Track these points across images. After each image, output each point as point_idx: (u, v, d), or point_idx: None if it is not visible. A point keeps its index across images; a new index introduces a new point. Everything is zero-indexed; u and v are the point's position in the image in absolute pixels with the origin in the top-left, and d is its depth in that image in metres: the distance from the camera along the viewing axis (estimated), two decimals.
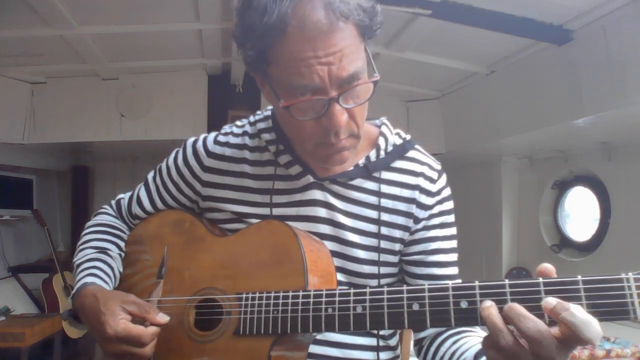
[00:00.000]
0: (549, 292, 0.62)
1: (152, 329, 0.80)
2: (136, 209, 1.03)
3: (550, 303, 0.59)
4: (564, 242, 3.57)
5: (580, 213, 3.56)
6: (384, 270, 0.91)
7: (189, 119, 3.94)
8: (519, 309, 0.60)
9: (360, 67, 0.76)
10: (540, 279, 0.63)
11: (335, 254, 0.89)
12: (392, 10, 2.43)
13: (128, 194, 1.06)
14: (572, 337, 0.58)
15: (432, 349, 0.90)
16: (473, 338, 0.85)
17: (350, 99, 0.77)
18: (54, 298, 3.84)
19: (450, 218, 0.94)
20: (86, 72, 3.74)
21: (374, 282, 0.90)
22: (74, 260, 0.96)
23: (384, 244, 0.90)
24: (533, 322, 0.59)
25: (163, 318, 0.82)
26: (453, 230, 0.94)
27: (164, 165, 1.02)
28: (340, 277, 0.89)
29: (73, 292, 0.89)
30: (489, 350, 0.63)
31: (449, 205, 0.94)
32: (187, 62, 3.76)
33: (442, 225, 0.93)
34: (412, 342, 1.01)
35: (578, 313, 0.57)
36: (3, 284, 3.97)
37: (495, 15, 2.50)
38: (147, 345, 0.79)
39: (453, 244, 0.94)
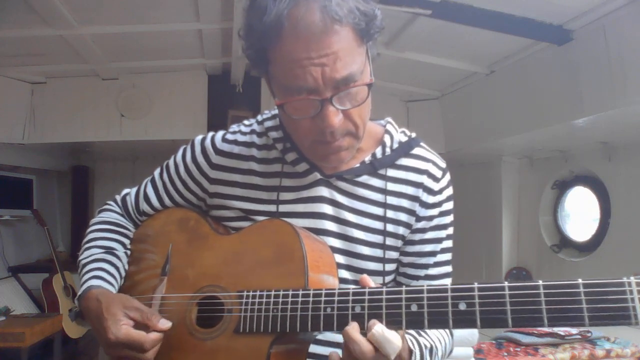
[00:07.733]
0: (548, 295, 0.61)
1: (154, 335, 0.81)
2: (144, 206, 1.03)
3: (369, 327, 0.67)
4: (564, 242, 3.57)
5: (580, 213, 3.57)
6: (387, 267, 0.91)
7: (189, 119, 3.94)
8: (351, 332, 0.68)
9: (355, 70, 0.76)
10: (540, 282, 0.62)
11: (340, 251, 0.89)
12: (392, 10, 2.43)
13: (134, 190, 1.06)
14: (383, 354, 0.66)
15: None
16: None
17: (346, 101, 0.77)
18: (54, 298, 3.84)
19: (449, 218, 0.94)
20: (86, 72, 3.74)
21: (379, 279, 0.90)
22: (80, 258, 0.95)
23: (388, 241, 0.91)
24: (358, 345, 0.67)
25: (164, 324, 0.82)
26: (450, 230, 0.94)
27: (171, 162, 1.02)
28: (346, 274, 0.89)
29: (79, 293, 0.89)
30: None
31: (449, 205, 0.94)
32: (187, 62, 3.77)
33: (439, 227, 0.93)
34: None
35: (376, 333, 0.66)
36: (3, 284, 3.97)
37: (495, 15, 2.50)
38: (148, 351, 0.80)
39: (448, 243, 0.94)
